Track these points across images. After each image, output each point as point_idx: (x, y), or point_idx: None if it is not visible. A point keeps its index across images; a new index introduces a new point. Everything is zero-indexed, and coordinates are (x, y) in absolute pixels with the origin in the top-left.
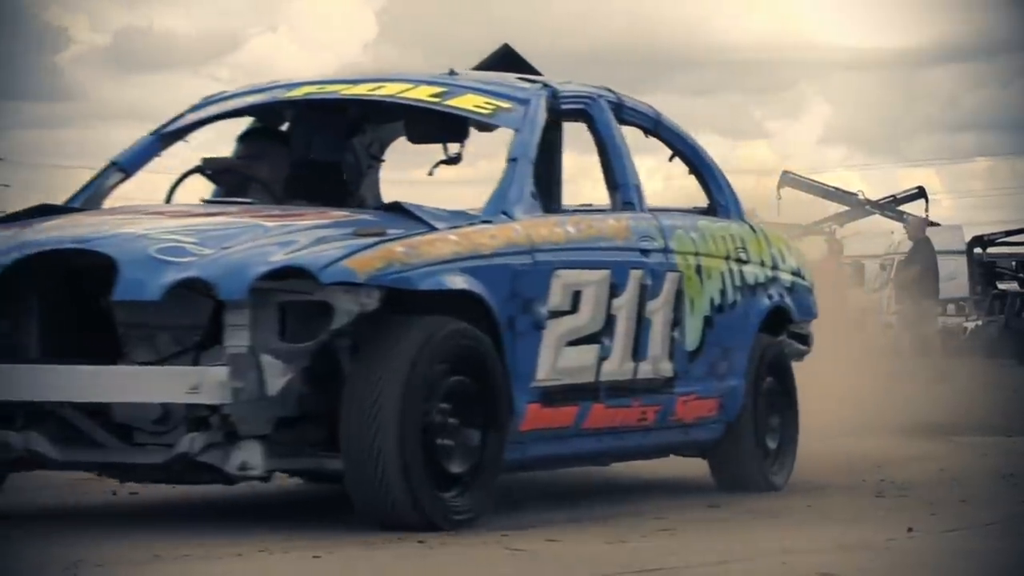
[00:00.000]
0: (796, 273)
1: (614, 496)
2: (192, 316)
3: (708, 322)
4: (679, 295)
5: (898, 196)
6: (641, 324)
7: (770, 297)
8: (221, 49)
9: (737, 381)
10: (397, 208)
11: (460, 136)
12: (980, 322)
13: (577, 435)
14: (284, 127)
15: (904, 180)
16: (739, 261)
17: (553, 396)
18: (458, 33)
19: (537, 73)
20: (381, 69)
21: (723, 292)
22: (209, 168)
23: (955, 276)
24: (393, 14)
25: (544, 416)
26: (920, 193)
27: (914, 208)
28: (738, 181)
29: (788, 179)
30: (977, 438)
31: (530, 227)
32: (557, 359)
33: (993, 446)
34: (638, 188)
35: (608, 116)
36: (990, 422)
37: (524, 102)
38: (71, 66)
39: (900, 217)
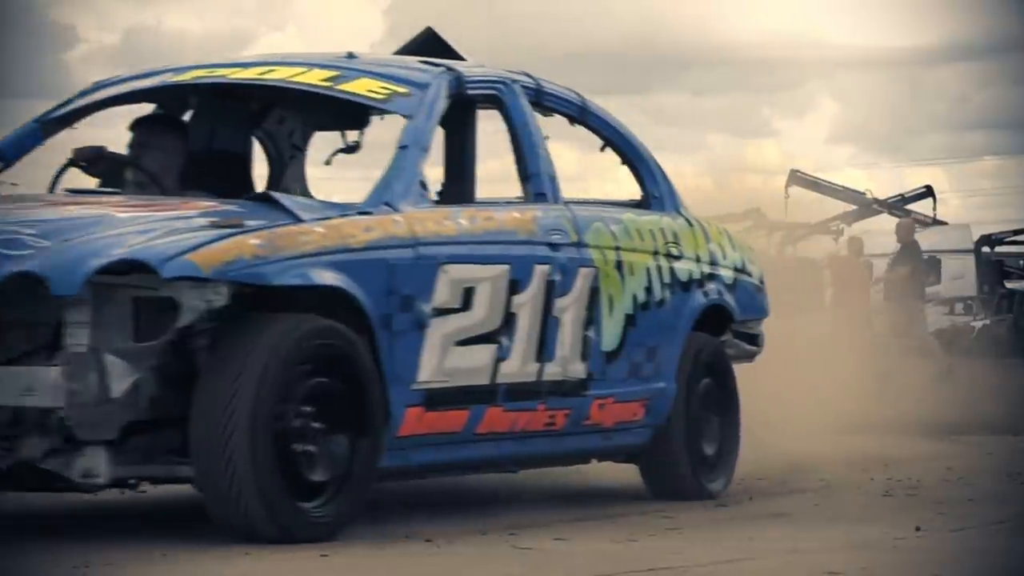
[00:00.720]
0: (740, 269)
1: (621, 495)
2: (44, 312)
3: (630, 320)
4: (594, 292)
5: (906, 195)
6: (548, 323)
7: (706, 294)
8: (229, 48)
9: (666, 383)
10: (267, 199)
11: (358, 123)
12: (988, 321)
13: (471, 440)
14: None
15: (912, 179)
16: (670, 256)
17: (439, 399)
18: (466, 33)
19: (460, 58)
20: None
21: (649, 289)
22: (80, 159)
23: (962, 275)
24: (400, 13)
25: (429, 420)
26: (928, 192)
27: (922, 207)
28: (746, 180)
29: (796, 178)
30: (984, 437)
31: (414, 219)
32: (444, 360)
33: (1000, 445)
34: (552, 178)
35: (521, 102)
36: (998, 421)
37: (422, 87)
38: (80, 65)
39: (907, 216)
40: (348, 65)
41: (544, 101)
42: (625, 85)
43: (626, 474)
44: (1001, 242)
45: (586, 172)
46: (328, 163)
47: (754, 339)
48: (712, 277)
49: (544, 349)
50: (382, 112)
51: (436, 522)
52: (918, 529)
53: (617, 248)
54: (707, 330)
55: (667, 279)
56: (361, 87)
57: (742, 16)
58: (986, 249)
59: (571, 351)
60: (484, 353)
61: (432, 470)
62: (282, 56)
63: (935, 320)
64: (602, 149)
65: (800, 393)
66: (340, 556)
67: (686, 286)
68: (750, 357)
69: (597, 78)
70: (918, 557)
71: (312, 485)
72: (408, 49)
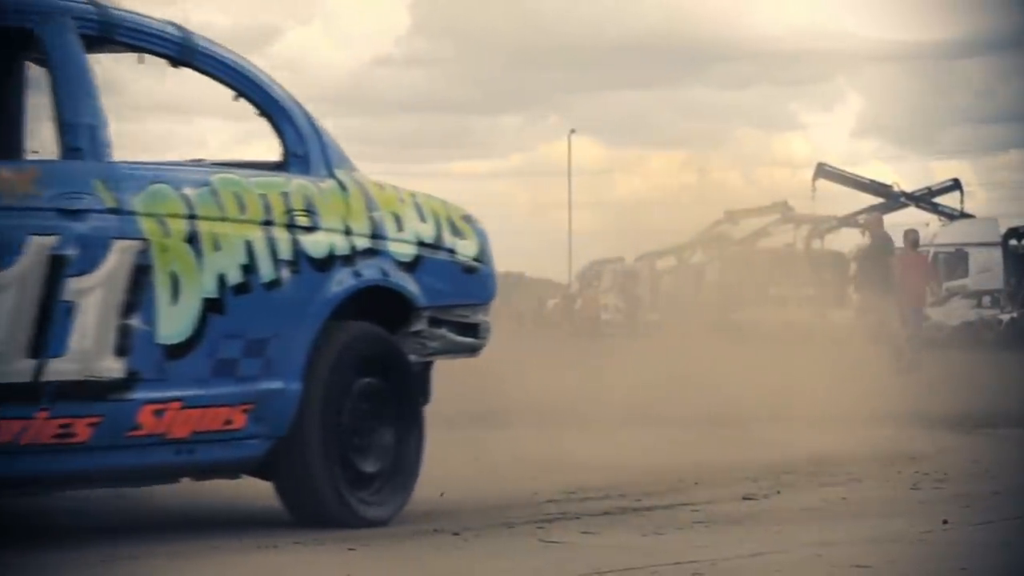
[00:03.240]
0: (432, 244)
1: (648, 489)
2: None
3: (214, 306)
4: (142, 270)
5: (933, 188)
6: (53, 309)
7: (358, 274)
8: (256, 43)
9: (286, 383)
10: None
11: None
12: (1015, 314)
13: None
14: None
15: (938, 172)
16: (294, 227)
17: None
18: (491, 25)
19: None
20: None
21: (249, 267)
22: None
23: (990, 268)
24: (425, 6)
25: None
26: (955, 185)
27: (949, 200)
28: (774, 174)
29: (824, 171)
30: (1010, 430)
31: None
32: None
33: None
34: (94, 130)
35: (67, 38)
36: (1022, 415)
37: None
38: (106, 59)
39: (935, 209)
40: None
41: (118, 36)
42: (652, 79)
43: (651, 469)
44: None
45: (613, 166)
46: None
47: (471, 329)
48: (372, 253)
49: (45, 342)
50: None
51: (464, 516)
52: (945, 522)
53: (191, 216)
54: (378, 318)
55: (286, 255)
56: None
57: (769, 10)
58: (1013, 242)
59: (97, 344)
60: None
61: None
62: None
63: (962, 314)
64: (235, 99)
65: (825, 386)
66: (368, 550)
67: (322, 264)
68: (470, 351)
69: (624, 72)
70: (945, 551)
71: None
72: None
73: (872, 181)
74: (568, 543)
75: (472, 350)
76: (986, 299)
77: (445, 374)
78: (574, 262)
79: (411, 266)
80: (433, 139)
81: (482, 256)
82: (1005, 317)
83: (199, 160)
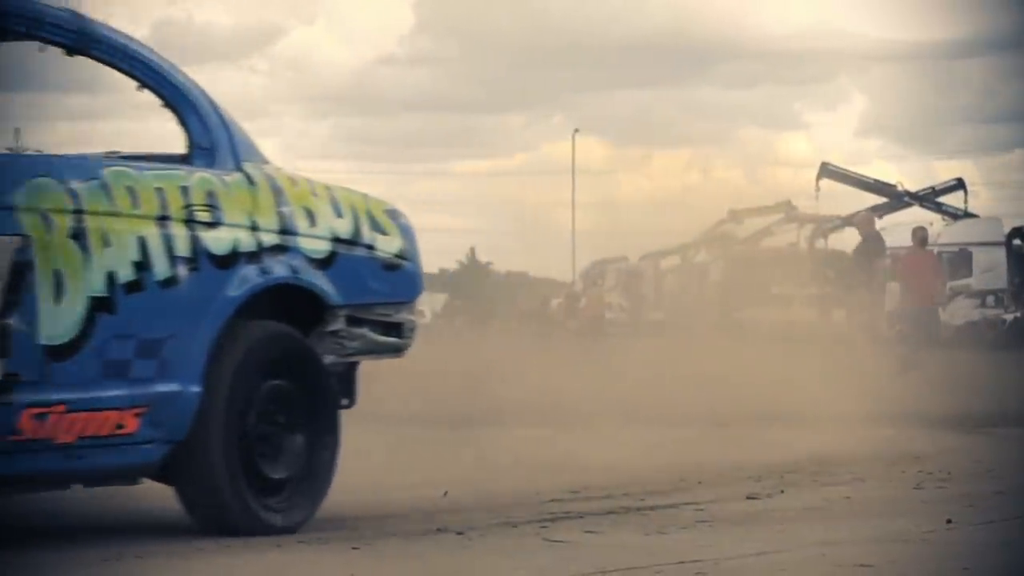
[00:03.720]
0: (349, 240)
1: (651, 488)
2: None
3: (102, 305)
4: (21, 268)
5: (937, 188)
6: None
7: (265, 271)
8: (260, 42)
9: (184, 385)
10: None
11: None
12: (1018, 314)
13: None
14: None
15: (941, 172)
16: (193, 223)
17: None
18: (496, 24)
19: None
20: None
21: (143, 264)
22: None
23: (993, 268)
24: (429, 5)
25: None
26: (959, 184)
27: (953, 199)
28: (778, 173)
29: (827, 171)
30: (1013, 430)
31: None
32: None
33: None
34: None
35: None
36: None
37: None
38: None
39: (939, 208)
40: None
41: (7, 24)
42: (657, 79)
43: (654, 468)
44: None
45: (617, 165)
46: None
47: (395, 329)
48: (281, 249)
49: None
50: None
51: (468, 515)
52: (949, 522)
53: (78, 212)
54: (292, 318)
55: (184, 251)
56: None
57: (774, 10)
58: (1017, 241)
59: None
60: None
61: None
62: None
63: (966, 313)
64: (139, 89)
65: (827, 386)
66: (372, 549)
67: (225, 260)
68: (393, 351)
69: (629, 72)
70: (948, 550)
71: None
72: None
73: (876, 181)
74: (571, 542)
75: (396, 350)
76: (990, 299)
77: (448, 374)
78: (577, 261)
79: (325, 263)
80: (437, 138)
81: (406, 252)
82: (1009, 317)
83: (112, 152)
